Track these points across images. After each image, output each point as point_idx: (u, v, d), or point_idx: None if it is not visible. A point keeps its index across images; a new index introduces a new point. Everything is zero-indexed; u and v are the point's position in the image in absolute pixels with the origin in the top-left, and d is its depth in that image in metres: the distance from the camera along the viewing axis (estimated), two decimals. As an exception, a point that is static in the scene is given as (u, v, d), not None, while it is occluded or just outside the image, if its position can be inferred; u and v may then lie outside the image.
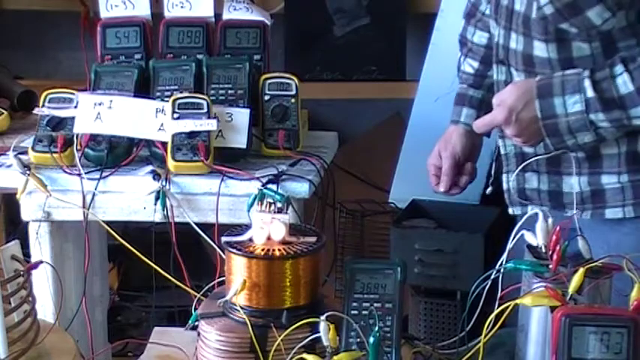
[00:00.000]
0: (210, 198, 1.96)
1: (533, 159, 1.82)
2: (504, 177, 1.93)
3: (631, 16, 1.71)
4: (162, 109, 2.01)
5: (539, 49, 1.77)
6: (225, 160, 1.99)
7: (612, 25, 1.71)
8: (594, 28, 1.70)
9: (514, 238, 1.50)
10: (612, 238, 1.79)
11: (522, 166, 1.83)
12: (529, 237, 1.50)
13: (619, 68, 1.69)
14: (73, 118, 2.01)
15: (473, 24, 2.09)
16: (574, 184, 1.82)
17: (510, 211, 1.94)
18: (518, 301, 1.39)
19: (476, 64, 2.09)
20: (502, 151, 1.93)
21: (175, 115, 1.99)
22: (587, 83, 1.70)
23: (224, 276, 1.58)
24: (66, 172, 1.98)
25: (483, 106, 2.04)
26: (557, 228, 1.46)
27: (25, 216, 2.00)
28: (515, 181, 1.90)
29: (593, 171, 1.81)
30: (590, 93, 1.69)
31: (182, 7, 2.22)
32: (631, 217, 1.80)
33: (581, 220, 1.78)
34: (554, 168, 1.85)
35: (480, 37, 2.08)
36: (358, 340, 1.44)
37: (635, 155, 1.79)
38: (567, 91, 1.71)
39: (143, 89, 2.09)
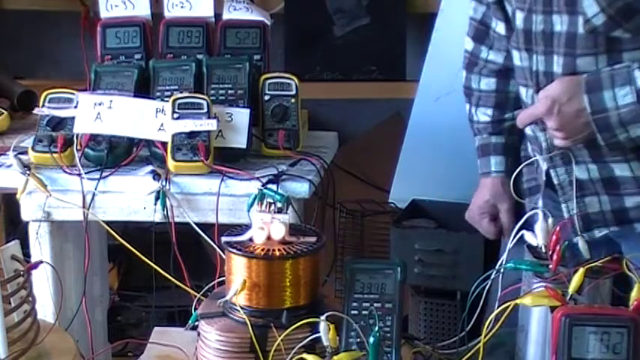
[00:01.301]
0: (210, 198, 1.95)
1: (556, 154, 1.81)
2: (564, 207, 1.86)
3: None
4: (162, 109, 2.01)
5: (587, 66, 1.71)
6: (225, 160, 1.99)
7: None
8: None
9: (514, 238, 1.50)
10: None
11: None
12: (529, 237, 1.50)
13: None
14: (73, 118, 2.01)
15: (476, 72, 2.06)
16: (639, 200, 1.78)
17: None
18: (518, 301, 1.39)
19: (490, 111, 2.05)
20: (555, 181, 1.86)
21: (175, 115, 1.99)
22: (637, 74, 1.65)
23: (224, 276, 1.58)
24: (66, 172, 1.98)
25: (510, 151, 2.02)
26: (558, 228, 1.46)
27: (25, 216, 2.00)
28: (577, 209, 1.82)
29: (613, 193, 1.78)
30: None
31: (182, 7, 2.22)
32: None
33: None
34: (613, 190, 1.80)
35: (487, 84, 2.05)
36: (358, 340, 1.44)
37: None
38: (617, 83, 1.67)
39: (143, 89, 2.09)
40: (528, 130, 1.91)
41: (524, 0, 1.78)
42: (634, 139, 1.69)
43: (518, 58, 1.85)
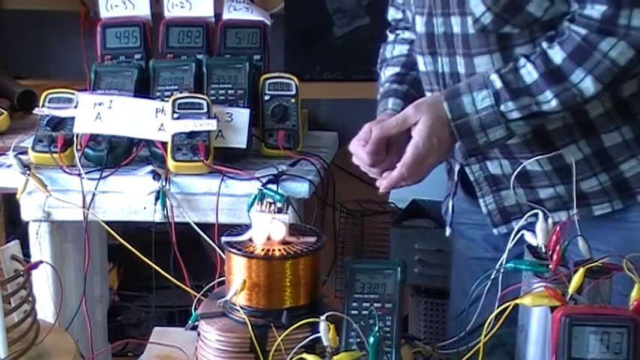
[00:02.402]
0: (210, 198, 1.95)
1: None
2: (481, 202, 1.90)
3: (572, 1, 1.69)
4: (162, 109, 2.01)
5: (484, 65, 1.74)
6: (225, 160, 1.99)
7: (553, 14, 1.69)
8: (536, 22, 1.69)
9: (514, 238, 1.50)
10: (608, 235, 1.77)
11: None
12: (529, 237, 1.50)
13: (522, 61, 1.69)
14: (73, 118, 2.01)
15: (391, 43, 2.05)
16: (551, 192, 1.81)
17: (495, 232, 1.90)
18: (518, 301, 1.39)
19: (398, 69, 2.00)
20: (471, 178, 1.90)
21: (175, 115, 1.99)
22: (493, 77, 1.69)
23: (224, 276, 1.58)
24: (66, 172, 1.98)
25: (408, 100, 1.91)
26: (557, 228, 1.46)
27: (25, 216, 2.00)
28: (494, 202, 1.88)
29: (567, 180, 1.78)
30: (498, 85, 1.68)
31: (182, 7, 2.22)
32: (619, 209, 1.80)
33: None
34: (526, 184, 1.83)
35: (399, 50, 2.03)
36: (358, 340, 1.44)
37: (604, 152, 1.77)
38: (475, 88, 1.70)
39: (143, 89, 2.09)
40: None
41: (423, 4, 1.81)
42: (493, 142, 1.71)
43: (422, 64, 1.87)
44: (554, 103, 1.67)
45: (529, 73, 1.68)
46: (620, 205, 1.80)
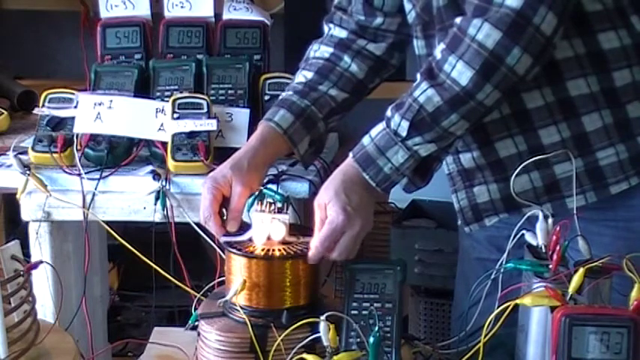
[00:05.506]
0: (210, 198, 1.95)
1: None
2: (454, 197, 1.84)
3: None
4: (163, 109, 2.01)
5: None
6: (225, 160, 1.98)
7: None
8: None
9: (514, 238, 1.50)
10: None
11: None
12: (529, 237, 1.50)
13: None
14: (73, 118, 2.01)
15: (319, 42, 1.95)
16: (525, 180, 1.73)
17: (467, 229, 1.84)
18: (518, 301, 1.39)
19: (310, 75, 1.86)
20: (446, 171, 1.84)
21: (175, 115, 1.99)
22: (388, 110, 1.63)
23: (224, 276, 1.58)
24: (66, 172, 1.98)
25: (302, 120, 1.81)
26: (558, 228, 1.46)
27: (25, 216, 2.00)
28: (466, 199, 1.82)
29: (542, 165, 1.71)
30: (389, 112, 1.63)
31: (182, 7, 2.22)
32: (593, 202, 1.71)
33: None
34: (500, 175, 1.75)
35: (322, 51, 1.93)
36: (358, 340, 1.44)
37: (583, 137, 1.70)
38: (373, 127, 1.65)
39: (143, 89, 2.09)
40: None
41: None
42: (399, 168, 1.62)
43: (416, 47, 1.82)
44: (429, 93, 1.57)
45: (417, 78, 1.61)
46: (593, 197, 1.71)
